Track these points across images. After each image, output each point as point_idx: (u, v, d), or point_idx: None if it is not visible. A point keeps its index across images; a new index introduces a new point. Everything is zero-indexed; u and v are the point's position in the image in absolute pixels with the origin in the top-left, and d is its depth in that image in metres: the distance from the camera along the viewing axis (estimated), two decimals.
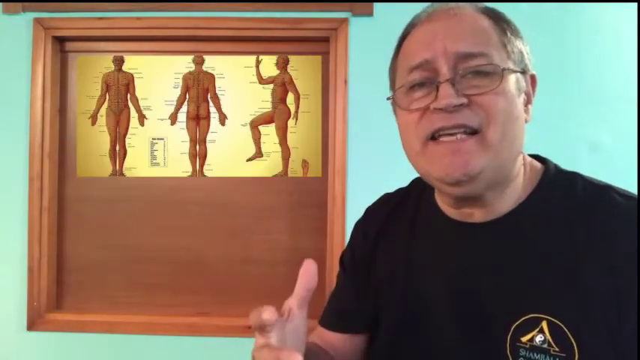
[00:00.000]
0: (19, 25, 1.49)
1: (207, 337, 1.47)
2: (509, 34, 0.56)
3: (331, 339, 0.71)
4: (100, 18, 1.48)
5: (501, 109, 0.52)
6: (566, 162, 0.61)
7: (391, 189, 0.77)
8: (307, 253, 1.51)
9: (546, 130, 1.39)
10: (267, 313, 0.41)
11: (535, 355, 0.51)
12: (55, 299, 1.53)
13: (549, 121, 1.41)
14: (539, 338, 0.51)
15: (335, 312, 0.74)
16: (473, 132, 0.52)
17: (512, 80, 0.54)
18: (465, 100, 0.52)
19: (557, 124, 1.42)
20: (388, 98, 0.62)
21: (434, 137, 0.54)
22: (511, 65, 0.54)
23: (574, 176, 0.58)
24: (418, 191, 0.70)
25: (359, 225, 0.76)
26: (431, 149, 0.55)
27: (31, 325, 1.48)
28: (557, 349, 0.50)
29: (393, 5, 1.43)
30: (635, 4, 1.42)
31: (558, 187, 0.57)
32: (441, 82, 0.53)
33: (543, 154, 0.63)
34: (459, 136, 0.52)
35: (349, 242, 0.77)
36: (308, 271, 0.47)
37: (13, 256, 1.49)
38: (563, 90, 1.43)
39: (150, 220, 1.54)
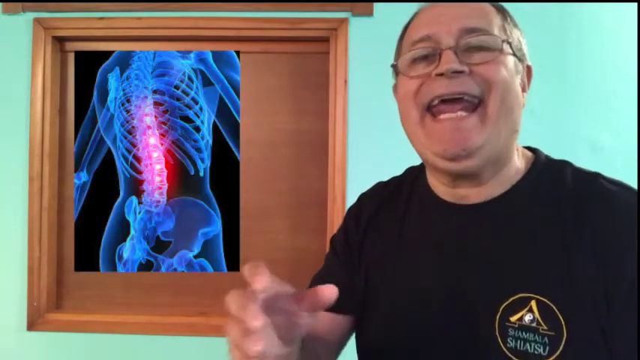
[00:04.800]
0: (19, 25, 1.49)
1: (207, 337, 1.47)
2: (509, 21, 0.59)
3: None
4: (100, 18, 1.48)
5: (502, 78, 0.53)
6: None
7: None
8: (307, 253, 1.51)
9: (547, 130, 1.40)
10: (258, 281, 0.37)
11: (524, 334, 0.51)
12: (55, 299, 1.53)
13: (550, 121, 1.41)
14: (528, 317, 0.51)
15: None
16: (473, 106, 0.53)
17: (511, 61, 0.56)
18: (465, 68, 0.53)
19: (557, 124, 1.42)
20: (392, 65, 0.62)
21: (432, 110, 0.55)
22: (510, 42, 0.56)
23: (564, 164, 0.60)
24: (412, 178, 0.70)
25: (352, 210, 0.76)
26: (430, 125, 0.56)
27: (31, 325, 1.48)
28: (545, 328, 0.50)
29: (393, 5, 1.43)
30: (635, 4, 1.42)
31: (549, 173, 0.58)
32: (444, 49, 0.54)
33: None
34: (459, 113, 0.53)
35: (342, 226, 0.77)
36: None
37: (13, 256, 1.49)
38: (563, 90, 1.43)
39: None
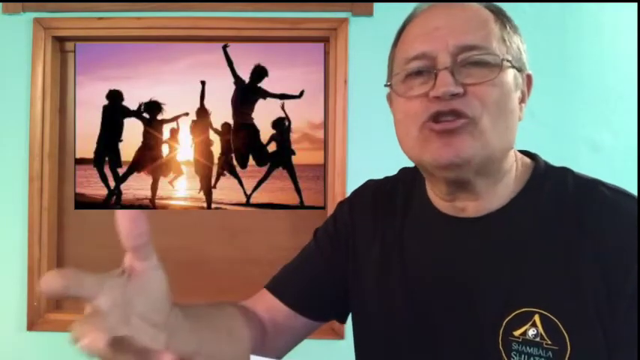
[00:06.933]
0: (19, 25, 1.49)
1: None
2: (508, 29, 0.57)
3: (275, 306, 0.67)
4: (100, 18, 1.48)
5: (495, 99, 0.53)
6: (567, 162, 0.61)
7: None
8: None
9: (547, 131, 1.40)
10: (47, 282, 0.31)
11: (528, 348, 0.51)
12: (55, 299, 1.53)
13: (549, 121, 1.41)
14: (531, 332, 0.51)
15: (297, 288, 0.69)
16: (466, 123, 0.52)
17: (511, 74, 0.55)
18: (461, 90, 0.52)
19: (557, 124, 1.42)
20: (386, 85, 0.62)
21: (429, 124, 0.54)
22: (510, 59, 0.55)
23: (564, 172, 0.59)
24: (408, 182, 0.69)
25: (344, 206, 0.74)
26: (425, 135, 0.55)
27: (31, 325, 1.48)
28: (549, 342, 0.50)
29: (393, 5, 1.43)
30: (635, 4, 1.42)
31: (549, 183, 0.58)
32: (440, 69, 0.53)
33: (544, 155, 0.63)
34: (452, 124, 0.52)
35: (331, 219, 0.75)
36: (127, 218, 0.38)
37: (13, 256, 1.49)
38: (563, 90, 1.43)
39: (150, 220, 1.53)
